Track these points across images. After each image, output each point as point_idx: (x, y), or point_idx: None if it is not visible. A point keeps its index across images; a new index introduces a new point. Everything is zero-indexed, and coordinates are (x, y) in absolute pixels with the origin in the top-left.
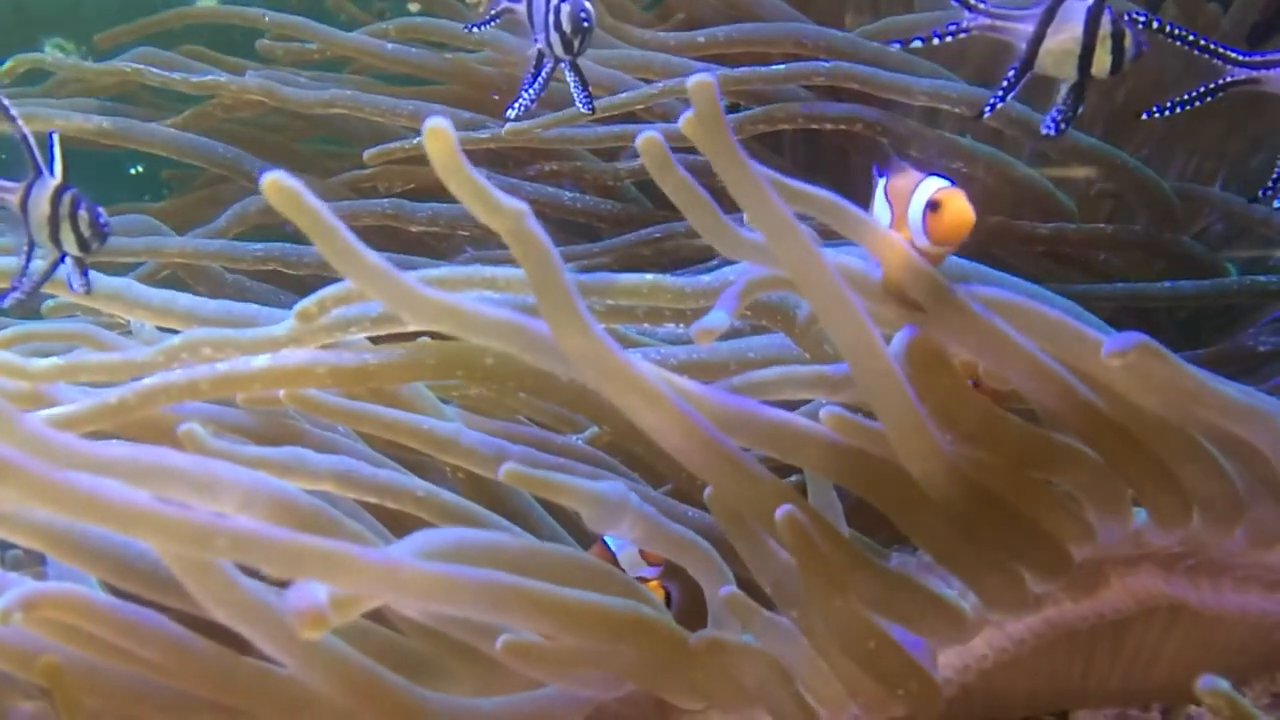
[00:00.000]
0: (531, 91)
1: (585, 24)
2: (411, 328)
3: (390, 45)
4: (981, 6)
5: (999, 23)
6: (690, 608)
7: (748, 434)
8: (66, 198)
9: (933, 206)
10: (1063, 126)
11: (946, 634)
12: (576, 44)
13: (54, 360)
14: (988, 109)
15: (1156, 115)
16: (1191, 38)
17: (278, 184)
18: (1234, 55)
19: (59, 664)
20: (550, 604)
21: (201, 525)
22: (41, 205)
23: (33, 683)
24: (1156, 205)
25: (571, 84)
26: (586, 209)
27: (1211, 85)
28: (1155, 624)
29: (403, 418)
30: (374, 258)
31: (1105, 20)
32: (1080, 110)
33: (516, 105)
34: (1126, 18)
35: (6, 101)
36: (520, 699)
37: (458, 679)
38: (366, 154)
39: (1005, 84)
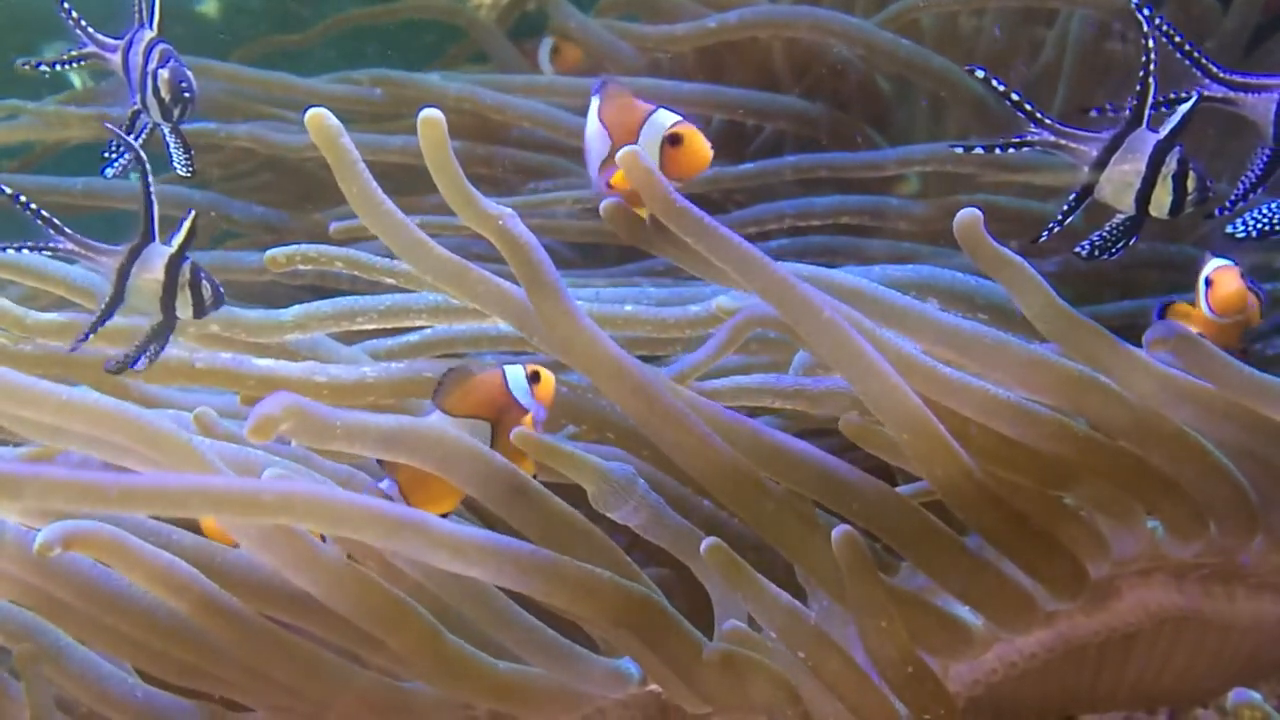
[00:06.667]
0: (129, 156)
1: (186, 94)
2: (418, 322)
3: (379, 91)
4: (1049, 122)
5: (1064, 142)
6: (688, 600)
7: (746, 450)
8: (186, 268)
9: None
10: (1096, 254)
11: (957, 653)
12: (176, 112)
13: (54, 316)
14: (1045, 234)
15: None
16: (1180, 41)
17: (320, 119)
18: (1216, 70)
19: (34, 652)
20: (567, 576)
21: (250, 489)
22: (153, 272)
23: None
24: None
25: (170, 146)
26: (585, 229)
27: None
28: (1165, 633)
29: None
30: (390, 205)
31: (1171, 158)
32: (1128, 245)
33: (114, 165)
34: (1193, 163)
35: (148, 169)
36: (534, 672)
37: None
38: (333, 229)
39: (1064, 209)
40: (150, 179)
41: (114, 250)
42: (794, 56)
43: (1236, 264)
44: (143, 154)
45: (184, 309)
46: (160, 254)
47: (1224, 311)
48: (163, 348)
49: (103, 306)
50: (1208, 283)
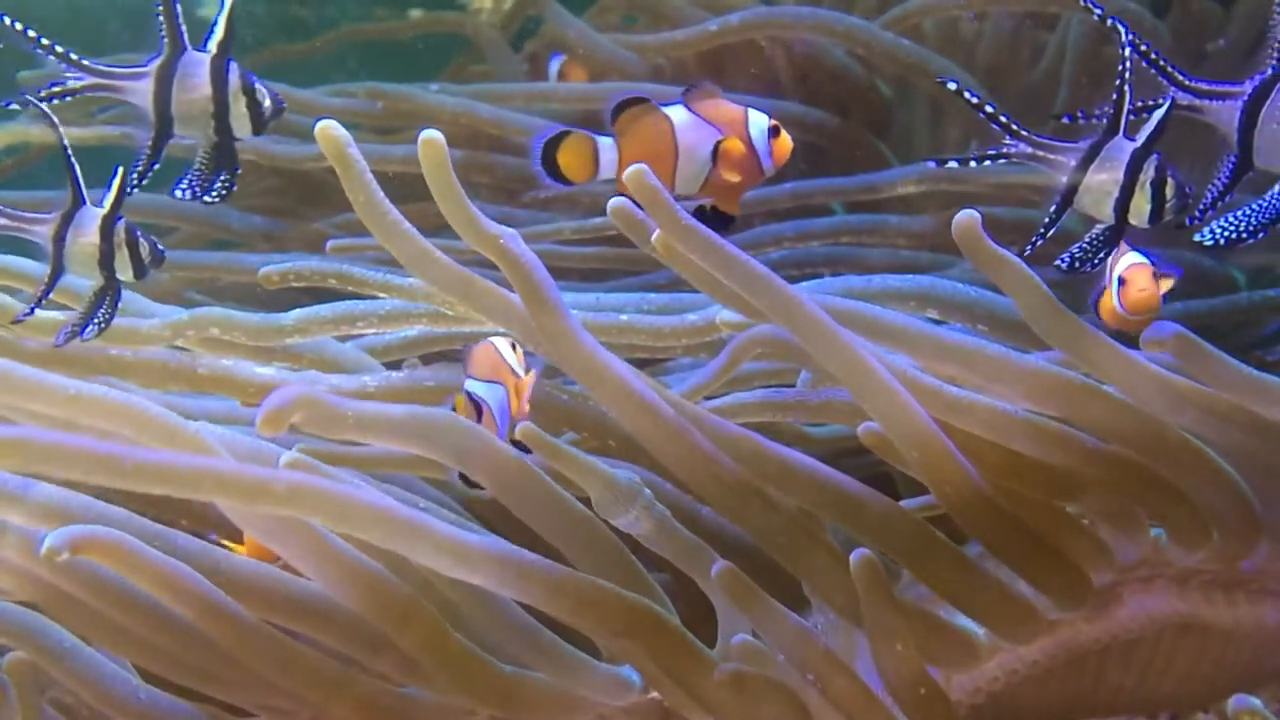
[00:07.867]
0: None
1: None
2: (418, 326)
3: (379, 105)
4: (1025, 134)
5: (1041, 153)
6: (690, 604)
7: (751, 465)
8: (120, 227)
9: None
10: (1077, 266)
11: (961, 665)
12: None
13: (54, 315)
14: (1029, 248)
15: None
16: (1146, 50)
17: (329, 130)
18: (1182, 78)
19: (26, 663)
20: (568, 586)
21: (262, 476)
22: (87, 235)
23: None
24: None
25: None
26: (585, 256)
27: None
28: (1167, 639)
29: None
30: (397, 215)
31: (1149, 165)
32: (1109, 255)
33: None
34: (1171, 171)
35: (64, 136)
36: (536, 676)
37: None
38: (329, 245)
39: (1046, 221)
40: (66, 142)
41: (46, 218)
42: (794, 61)
43: (1149, 258)
44: (52, 114)
45: (123, 270)
46: (93, 216)
47: (1136, 312)
48: (112, 313)
49: (45, 279)
50: (1121, 280)
